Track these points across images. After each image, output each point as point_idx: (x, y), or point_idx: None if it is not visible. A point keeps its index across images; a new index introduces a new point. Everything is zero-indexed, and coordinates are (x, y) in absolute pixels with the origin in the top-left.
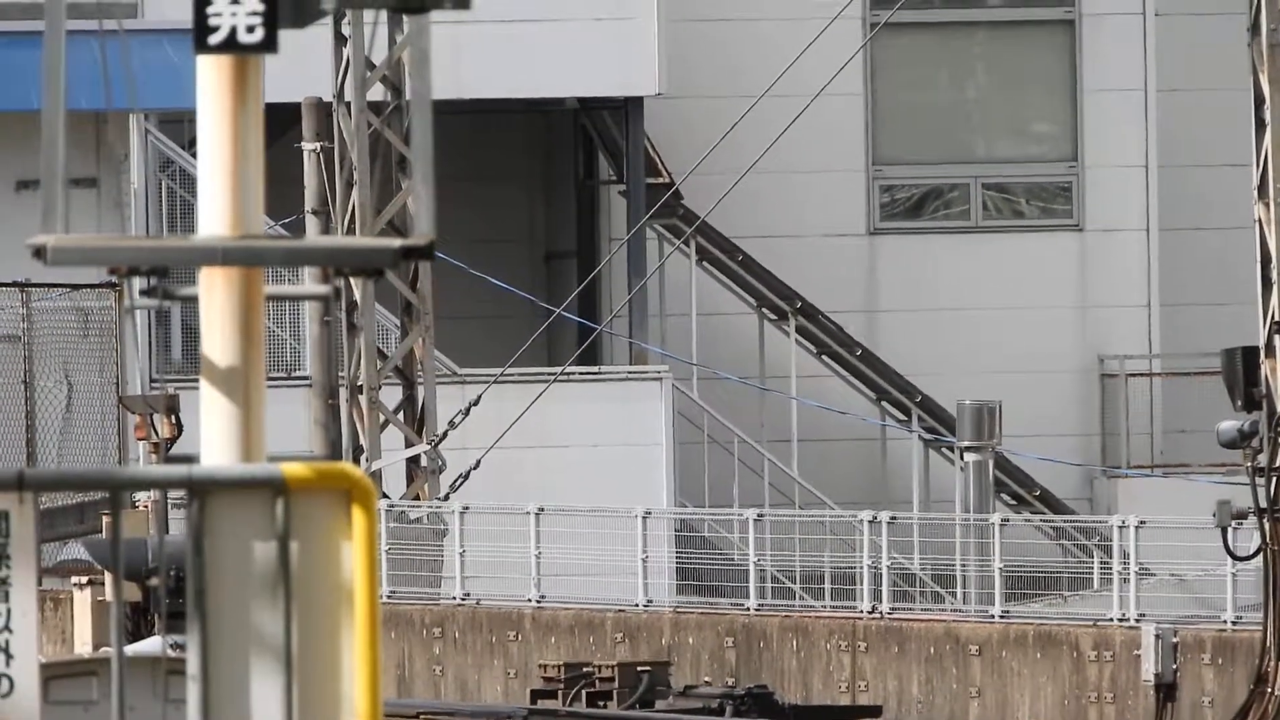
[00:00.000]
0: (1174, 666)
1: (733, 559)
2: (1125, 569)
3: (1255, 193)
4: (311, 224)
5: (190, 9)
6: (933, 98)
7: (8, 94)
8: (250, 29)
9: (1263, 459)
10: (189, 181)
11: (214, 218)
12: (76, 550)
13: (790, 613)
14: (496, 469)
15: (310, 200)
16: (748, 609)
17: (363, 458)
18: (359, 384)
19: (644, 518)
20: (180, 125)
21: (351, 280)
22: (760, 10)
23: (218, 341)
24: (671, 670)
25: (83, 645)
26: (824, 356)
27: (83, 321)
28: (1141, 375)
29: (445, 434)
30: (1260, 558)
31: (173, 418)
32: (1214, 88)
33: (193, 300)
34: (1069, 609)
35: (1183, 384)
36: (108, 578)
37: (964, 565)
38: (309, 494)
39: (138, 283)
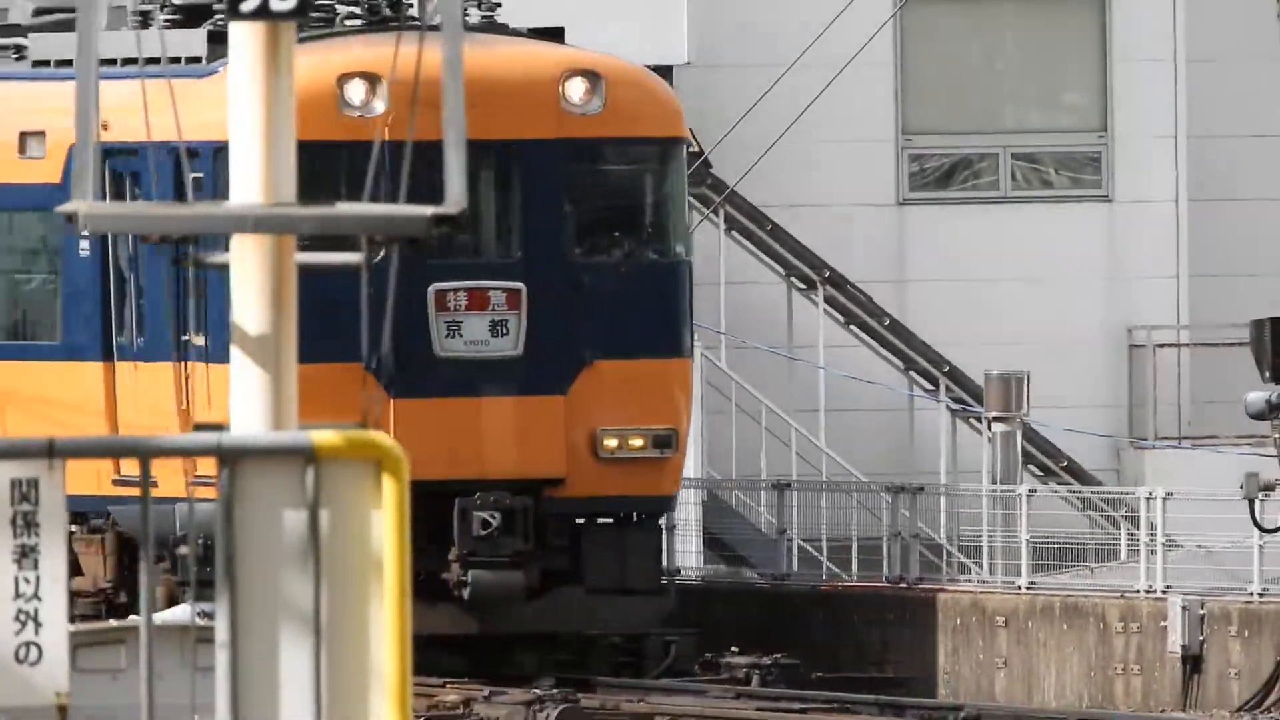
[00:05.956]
0: (1200, 638)
1: (760, 529)
2: (1152, 541)
3: None
4: None
5: None
6: (962, 68)
7: None
8: None
9: None
10: None
11: (246, 185)
12: None
13: (817, 583)
14: None
15: None
16: (775, 579)
17: None
18: None
19: None
20: None
21: None
22: None
23: (249, 310)
24: (698, 640)
25: None
26: (852, 326)
27: None
28: (1170, 346)
29: None
30: None
31: None
32: (1244, 58)
33: (224, 268)
34: (1095, 580)
35: (1211, 355)
36: None
37: (991, 536)
38: (339, 462)
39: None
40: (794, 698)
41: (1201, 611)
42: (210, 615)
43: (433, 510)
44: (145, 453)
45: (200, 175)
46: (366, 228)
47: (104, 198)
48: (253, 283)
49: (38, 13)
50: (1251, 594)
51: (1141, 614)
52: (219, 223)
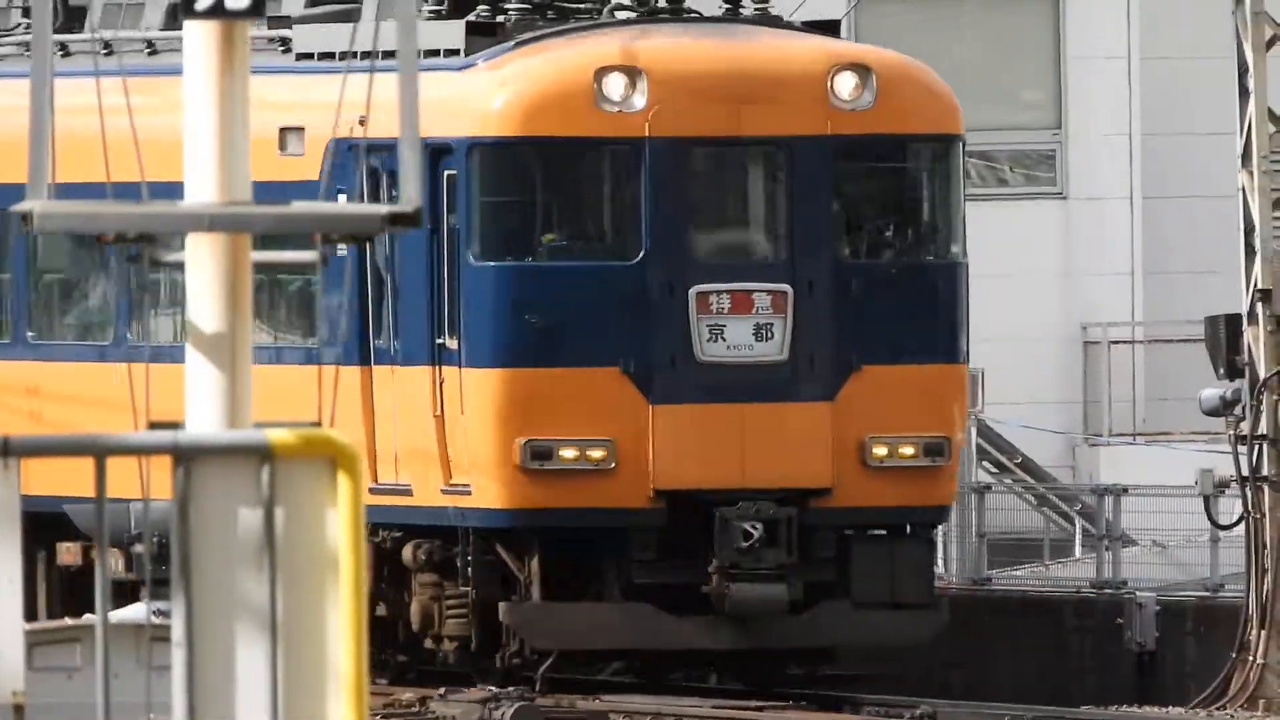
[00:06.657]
0: (1156, 634)
1: None
2: (1107, 537)
3: (1239, 161)
4: None
5: None
6: None
7: None
8: None
9: (1245, 427)
10: None
11: (201, 184)
12: None
13: None
14: None
15: None
16: None
17: None
18: None
19: None
20: None
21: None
22: None
23: (204, 308)
24: None
25: None
26: None
27: None
28: (1124, 343)
29: None
30: (1242, 526)
31: None
32: (1198, 56)
33: (179, 267)
34: (1051, 576)
35: (1165, 351)
36: None
37: (945, 532)
38: (294, 461)
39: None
40: (749, 694)
41: (1157, 608)
42: (166, 614)
43: (692, 520)
44: (101, 451)
45: (454, 172)
46: (321, 226)
47: (363, 196)
48: (208, 281)
49: (311, 3)
50: (1207, 590)
51: (1097, 610)
52: (175, 221)
